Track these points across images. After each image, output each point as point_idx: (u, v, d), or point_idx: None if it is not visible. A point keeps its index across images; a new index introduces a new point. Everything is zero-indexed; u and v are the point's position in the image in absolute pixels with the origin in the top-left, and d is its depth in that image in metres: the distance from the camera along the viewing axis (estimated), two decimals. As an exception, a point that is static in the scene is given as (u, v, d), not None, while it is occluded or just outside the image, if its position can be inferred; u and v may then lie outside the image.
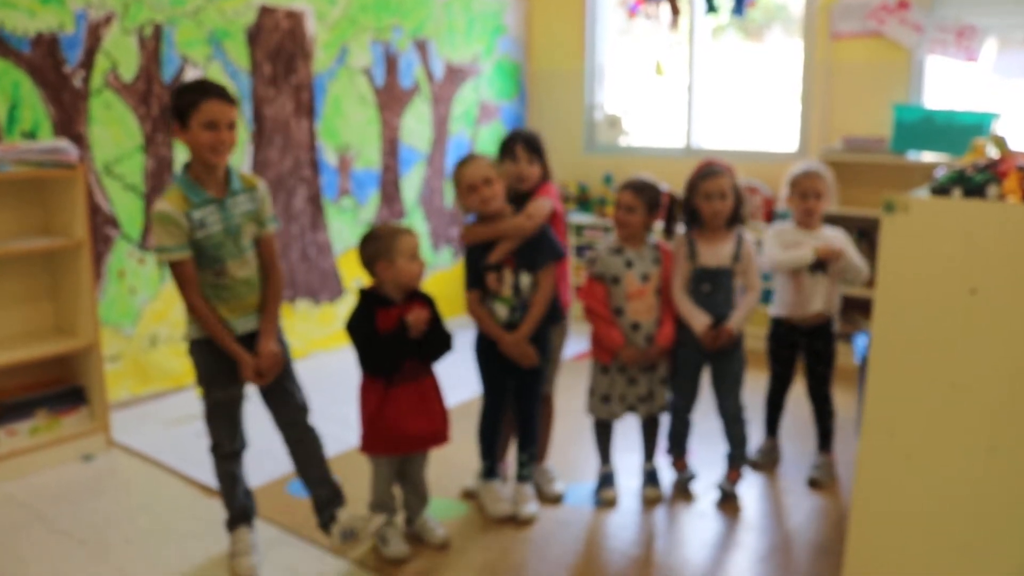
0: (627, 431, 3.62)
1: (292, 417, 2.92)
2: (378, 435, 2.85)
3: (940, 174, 2.25)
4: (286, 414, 2.92)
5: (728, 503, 3.31)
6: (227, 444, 2.87)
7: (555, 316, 3.16)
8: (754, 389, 3.67)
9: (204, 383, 2.82)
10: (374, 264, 2.82)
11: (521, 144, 3.16)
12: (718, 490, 3.35)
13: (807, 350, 3.49)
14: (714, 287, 3.23)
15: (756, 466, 3.61)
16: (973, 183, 2.11)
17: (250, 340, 2.79)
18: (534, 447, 3.24)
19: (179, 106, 2.61)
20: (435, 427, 2.90)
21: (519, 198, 3.13)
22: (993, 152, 2.43)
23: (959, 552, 2.22)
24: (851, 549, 2.37)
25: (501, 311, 3.06)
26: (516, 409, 3.22)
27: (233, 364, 2.74)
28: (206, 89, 2.63)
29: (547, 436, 3.43)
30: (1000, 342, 2.08)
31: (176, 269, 2.66)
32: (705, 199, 3.20)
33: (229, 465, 2.89)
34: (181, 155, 4.29)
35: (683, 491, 3.40)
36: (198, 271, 2.68)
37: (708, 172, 3.21)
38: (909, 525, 2.28)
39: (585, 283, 3.26)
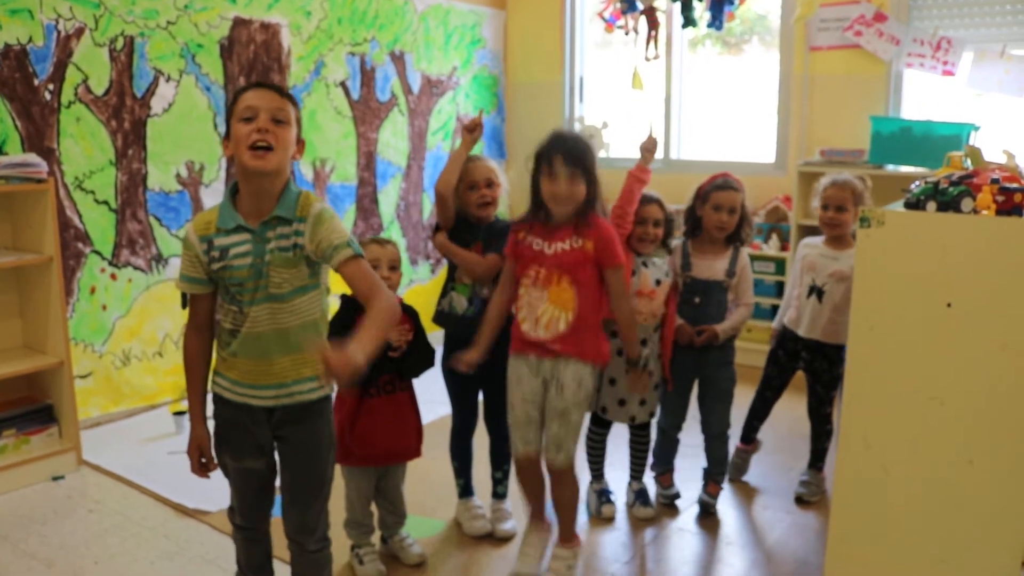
0: (614, 448, 3.53)
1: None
2: (349, 447, 2.78)
3: (915, 187, 2.23)
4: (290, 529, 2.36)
5: (708, 517, 3.28)
6: (239, 517, 2.37)
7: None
8: (744, 406, 3.62)
9: (215, 441, 2.32)
10: None
11: (560, 156, 2.57)
12: (698, 504, 3.33)
13: (808, 367, 3.40)
14: (705, 299, 3.19)
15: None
16: (947, 196, 2.09)
17: (267, 415, 2.23)
18: (508, 464, 3.14)
19: (227, 116, 2.18)
20: (406, 443, 2.85)
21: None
22: (969, 164, 2.42)
23: (937, 564, 2.21)
24: (829, 562, 2.36)
25: (460, 301, 3.00)
26: (488, 427, 3.16)
27: (247, 434, 2.24)
28: (251, 84, 2.21)
29: (573, 511, 2.88)
30: (976, 355, 2.08)
31: (187, 302, 2.26)
32: (714, 210, 3.14)
33: (241, 534, 2.42)
34: (154, 170, 4.24)
35: (666, 507, 3.36)
36: (220, 310, 2.23)
37: (723, 184, 3.15)
38: (887, 537, 2.27)
39: None
